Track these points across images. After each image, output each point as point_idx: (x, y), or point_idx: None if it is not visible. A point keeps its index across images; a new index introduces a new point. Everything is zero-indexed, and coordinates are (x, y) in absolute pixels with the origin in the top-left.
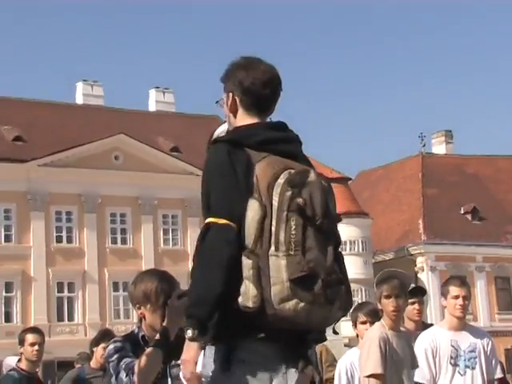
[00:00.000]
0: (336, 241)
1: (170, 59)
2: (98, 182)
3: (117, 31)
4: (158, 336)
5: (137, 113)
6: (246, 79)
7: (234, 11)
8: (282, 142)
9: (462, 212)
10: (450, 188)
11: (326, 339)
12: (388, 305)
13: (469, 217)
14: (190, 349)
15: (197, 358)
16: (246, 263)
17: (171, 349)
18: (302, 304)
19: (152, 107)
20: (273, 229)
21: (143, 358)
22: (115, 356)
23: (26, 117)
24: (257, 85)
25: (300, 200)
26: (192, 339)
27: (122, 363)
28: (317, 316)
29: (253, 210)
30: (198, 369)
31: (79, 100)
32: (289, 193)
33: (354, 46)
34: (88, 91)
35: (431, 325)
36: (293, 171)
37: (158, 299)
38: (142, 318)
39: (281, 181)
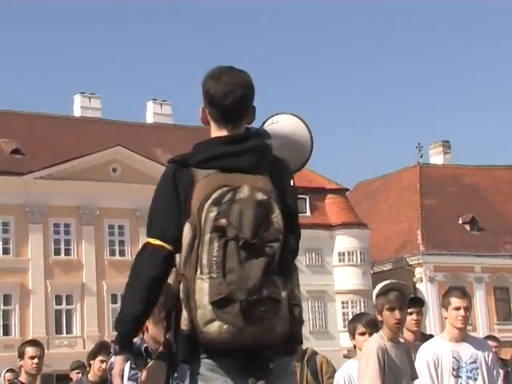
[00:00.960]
0: (269, 259)
1: (168, 71)
2: (96, 194)
3: (114, 43)
4: (161, 348)
5: (134, 125)
6: (209, 91)
7: (231, 23)
8: (229, 157)
9: (461, 222)
10: (448, 198)
11: (294, 350)
12: (391, 317)
13: (467, 227)
14: (117, 363)
15: (122, 372)
16: (180, 286)
17: (174, 361)
18: (225, 326)
19: (150, 119)
20: (199, 251)
21: (147, 370)
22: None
23: (24, 129)
24: (218, 96)
25: (223, 221)
26: (115, 353)
27: (126, 375)
28: (247, 335)
29: (185, 232)
30: (125, 381)
31: (77, 112)
32: (213, 214)
33: (351, 56)
34: (86, 104)
35: (430, 335)
36: (225, 189)
37: (160, 312)
38: (144, 331)
39: (209, 201)
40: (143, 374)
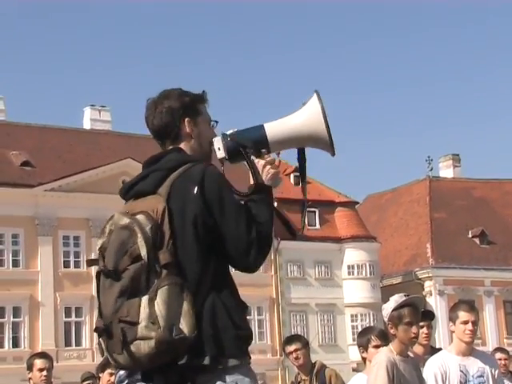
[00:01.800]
0: (125, 282)
1: (177, 84)
2: (106, 206)
3: (124, 56)
4: None
5: (144, 137)
6: None
7: (224, 31)
8: (139, 182)
9: (470, 236)
10: (457, 212)
11: (188, 364)
12: (408, 331)
13: (477, 240)
14: None
15: None
16: None
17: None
18: (106, 354)
19: None
20: None
21: None
22: (129, 380)
23: (34, 142)
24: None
25: (98, 251)
26: None
27: None
28: (123, 361)
29: None
30: None
31: (87, 125)
32: (97, 247)
33: (361, 68)
34: (96, 116)
35: (439, 349)
36: (109, 219)
37: None
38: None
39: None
40: None
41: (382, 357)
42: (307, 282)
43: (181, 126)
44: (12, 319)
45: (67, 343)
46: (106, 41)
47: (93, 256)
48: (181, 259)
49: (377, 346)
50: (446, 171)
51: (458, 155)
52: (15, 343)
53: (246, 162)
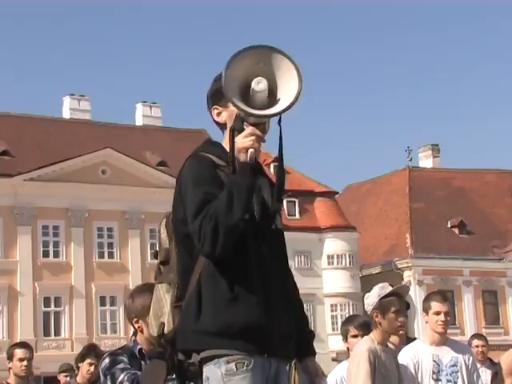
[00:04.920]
0: None
1: (157, 73)
2: (85, 196)
3: (104, 45)
4: (159, 348)
5: (124, 127)
6: None
7: (219, 25)
8: None
9: (449, 226)
10: (437, 202)
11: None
12: (396, 320)
13: (456, 231)
14: None
15: None
16: None
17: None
18: None
19: (139, 121)
20: None
21: (148, 370)
22: (114, 368)
23: (13, 131)
24: None
25: None
26: None
27: (123, 375)
28: None
29: None
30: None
31: (66, 114)
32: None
33: (340, 59)
34: (75, 106)
35: (415, 339)
36: None
37: None
38: (137, 332)
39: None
40: (144, 373)
41: (364, 346)
42: None
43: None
44: None
45: (46, 333)
46: (85, 30)
47: (72, 246)
48: (173, 255)
49: (355, 336)
50: (426, 161)
51: (437, 145)
52: None
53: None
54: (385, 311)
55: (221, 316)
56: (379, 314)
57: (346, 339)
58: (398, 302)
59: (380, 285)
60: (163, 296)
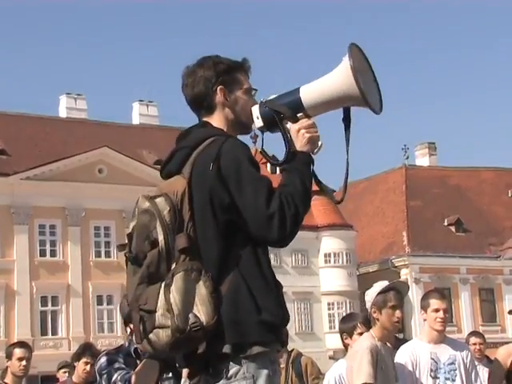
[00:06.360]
0: (144, 269)
1: (154, 73)
2: (82, 195)
3: (100, 44)
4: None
5: (121, 126)
6: None
7: (216, 24)
8: (167, 162)
9: (446, 224)
10: (433, 200)
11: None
12: (392, 316)
13: (452, 228)
14: None
15: None
16: None
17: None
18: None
19: (136, 120)
20: None
21: (140, 369)
22: (109, 368)
23: (10, 130)
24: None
25: (127, 236)
26: None
27: (116, 374)
28: (145, 348)
29: None
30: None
31: (63, 113)
32: (128, 230)
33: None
34: (71, 104)
35: (404, 339)
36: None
37: None
38: (132, 332)
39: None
40: (136, 372)
41: (366, 343)
42: (284, 270)
43: (214, 94)
44: None
45: (43, 332)
46: (82, 28)
47: (69, 245)
48: (200, 242)
49: (362, 334)
50: (422, 159)
51: (433, 143)
52: None
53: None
54: (382, 306)
55: (276, 307)
56: (376, 310)
57: (349, 336)
58: (395, 296)
59: (380, 282)
60: (191, 285)
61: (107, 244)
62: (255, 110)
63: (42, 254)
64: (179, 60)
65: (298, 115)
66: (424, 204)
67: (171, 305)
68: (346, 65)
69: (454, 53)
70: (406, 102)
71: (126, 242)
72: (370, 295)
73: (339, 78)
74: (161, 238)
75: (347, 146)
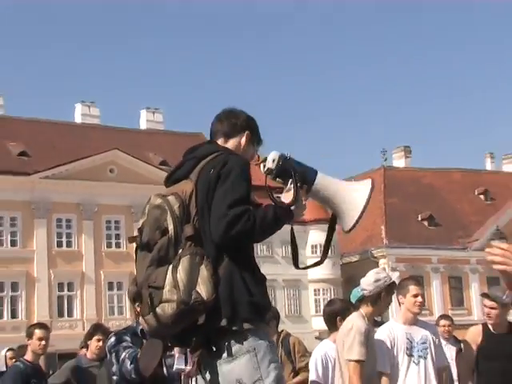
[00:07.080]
0: (155, 253)
1: (160, 82)
2: (95, 192)
3: (111, 56)
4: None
5: (129, 131)
6: None
7: (220, 35)
8: (176, 169)
9: (420, 219)
10: (408, 197)
11: (168, 341)
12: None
13: (425, 223)
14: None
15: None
16: None
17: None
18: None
19: (143, 125)
20: None
21: (145, 348)
22: (118, 346)
23: (31, 134)
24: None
25: (138, 230)
26: None
27: (125, 353)
28: (150, 322)
29: None
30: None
31: (78, 119)
32: (138, 225)
33: (317, 61)
34: (85, 111)
35: (381, 322)
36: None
37: None
38: (139, 314)
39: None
40: (143, 351)
41: (360, 321)
42: (275, 260)
43: (240, 135)
44: (10, 293)
45: (60, 314)
46: (95, 43)
47: (83, 237)
48: (203, 233)
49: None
50: (399, 161)
51: (409, 147)
52: (13, 314)
53: (288, 183)
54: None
55: (262, 295)
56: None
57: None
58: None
59: (375, 270)
60: (195, 267)
61: (117, 236)
62: (274, 154)
63: (59, 244)
64: (183, 71)
65: (303, 186)
66: (400, 201)
67: (178, 282)
68: (363, 194)
69: (427, 59)
70: (384, 108)
71: (137, 234)
72: (364, 282)
73: (352, 198)
74: (171, 227)
75: (327, 243)
